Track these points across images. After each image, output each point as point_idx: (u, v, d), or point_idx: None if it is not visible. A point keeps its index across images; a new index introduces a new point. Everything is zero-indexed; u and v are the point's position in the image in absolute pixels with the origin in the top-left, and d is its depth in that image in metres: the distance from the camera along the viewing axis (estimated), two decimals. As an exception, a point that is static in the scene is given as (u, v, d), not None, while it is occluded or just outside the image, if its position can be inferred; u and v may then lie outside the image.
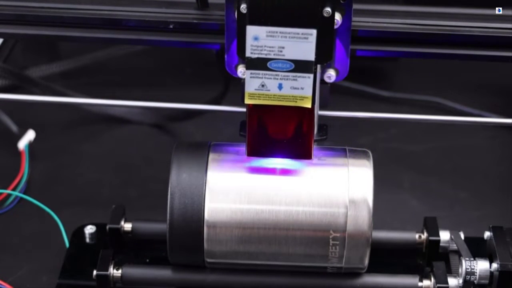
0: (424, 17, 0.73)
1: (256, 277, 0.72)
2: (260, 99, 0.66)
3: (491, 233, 0.74)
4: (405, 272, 0.74)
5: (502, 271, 0.71)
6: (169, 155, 0.70)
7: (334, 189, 0.69)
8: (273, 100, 0.66)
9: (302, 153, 0.69)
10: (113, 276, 0.72)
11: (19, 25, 0.75)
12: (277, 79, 0.65)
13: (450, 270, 0.75)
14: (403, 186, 0.92)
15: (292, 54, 0.63)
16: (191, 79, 1.08)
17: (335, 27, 0.65)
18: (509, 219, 0.83)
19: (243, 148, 0.70)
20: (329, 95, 0.72)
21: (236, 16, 0.65)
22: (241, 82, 0.68)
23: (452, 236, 0.76)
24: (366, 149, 0.72)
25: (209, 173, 0.69)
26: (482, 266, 0.72)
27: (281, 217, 0.69)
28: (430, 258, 0.76)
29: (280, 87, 0.65)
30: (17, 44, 1.08)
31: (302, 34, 0.62)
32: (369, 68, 1.08)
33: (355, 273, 0.72)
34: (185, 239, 0.69)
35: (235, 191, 0.69)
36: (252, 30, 0.63)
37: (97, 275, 0.72)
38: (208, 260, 0.70)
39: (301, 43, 0.63)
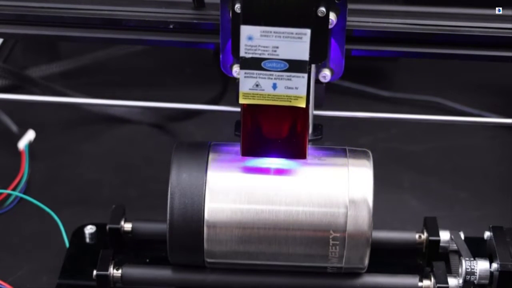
0: (424, 17, 0.73)
1: (256, 277, 0.72)
2: (254, 99, 0.66)
3: (491, 233, 0.74)
4: (405, 272, 0.74)
5: (502, 271, 0.71)
6: (169, 155, 0.70)
7: (334, 189, 0.69)
8: (268, 99, 0.66)
9: (296, 153, 0.69)
10: (113, 276, 0.72)
11: (19, 25, 0.75)
12: (271, 78, 0.65)
13: (450, 270, 0.75)
14: (403, 186, 0.92)
15: (286, 54, 0.63)
16: (191, 79, 1.08)
17: (330, 26, 0.65)
18: (509, 219, 0.83)
19: (243, 148, 0.70)
20: (324, 95, 0.72)
21: (230, 16, 0.65)
22: (235, 82, 0.68)
23: (452, 236, 0.76)
24: (366, 149, 0.72)
25: (209, 173, 0.69)
26: (482, 266, 0.72)
27: (281, 217, 0.69)
28: (430, 258, 0.76)
29: (274, 86, 0.65)
30: (17, 44, 1.08)
31: (296, 34, 0.62)
32: (369, 68, 1.08)
33: (355, 273, 0.72)
34: (185, 239, 0.69)
35: (235, 191, 0.69)
36: (246, 30, 0.63)
37: (97, 275, 0.72)
38: (208, 260, 0.70)
39: (295, 43, 0.63)
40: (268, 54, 0.63)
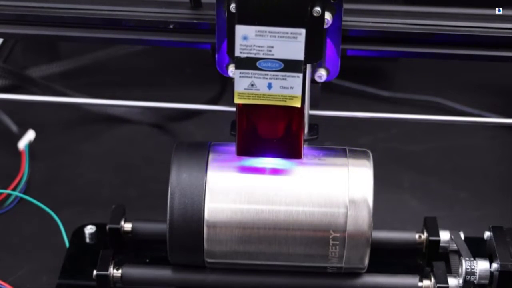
0: (424, 17, 0.73)
1: (256, 277, 0.72)
2: (249, 99, 0.66)
3: (491, 233, 0.74)
4: (405, 272, 0.74)
5: (502, 271, 0.71)
6: (169, 155, 0.70)
7: (334, 189, 0.69)
8: (263, 99, 0.66)
9: (292, 152, 0.69)
10: (113, 276, 0.72)
11: (19, 25, 0.75)
12: (267, 78, 0.64)
13: (450, 270, 0.75)
14: (403, 186, 0.92)
15: (281, 54, 0.63)
16: (190, 79, 1.08)
17: (325, 26, 0.65)
18: (509, 219, 0.83)
19: (243, 148, 0.70)
20: (320, 94, 0.72)
21: (226, 16, 0.65)
22: (231, 82, 0.68)
23: (452, 236, 0.76)
24: (366, 149, 0.72)
25: (209, 173, 0.69)
26: (482, 266, 0.72)
27: (281, 217, 0.69)
28: (430, 258, 0.76)
29: (269, 86, 0.65)
30: (17, 44, 1.08)
31: (291, 33, 0.62)
32: (369, 68, 1.08)
33: (355, 273, 0.72)
34: (185, 239, 0.69)
35: (235, 191, 0.69)
36: (241, 30, 0.62)
37: (97, 275, 0.72)
38: (208, 260, 0.70)
39: (290, 43, 0.63)
40: (263, 54, 0.63)
